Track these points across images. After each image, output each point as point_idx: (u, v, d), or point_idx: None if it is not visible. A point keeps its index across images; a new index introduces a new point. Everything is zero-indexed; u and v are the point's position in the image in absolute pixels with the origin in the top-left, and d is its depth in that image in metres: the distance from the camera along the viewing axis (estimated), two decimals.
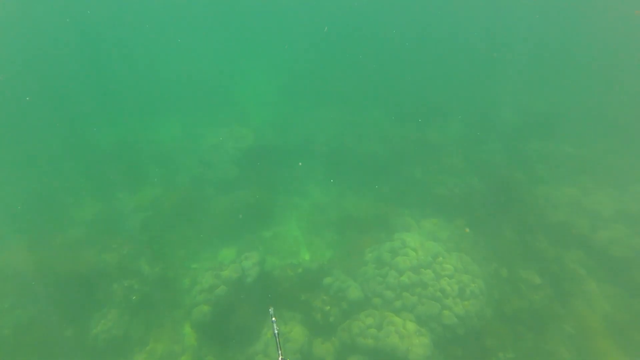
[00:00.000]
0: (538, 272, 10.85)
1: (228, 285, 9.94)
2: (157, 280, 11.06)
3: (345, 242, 12.81)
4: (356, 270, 10.91)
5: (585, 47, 28.62)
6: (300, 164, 16.18)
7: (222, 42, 33.59)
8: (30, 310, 10.06)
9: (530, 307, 9.93)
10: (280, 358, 2.20)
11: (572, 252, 11.44)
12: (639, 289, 10.28)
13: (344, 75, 25.06)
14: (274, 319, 2.78)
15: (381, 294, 9.82)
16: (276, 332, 2.58)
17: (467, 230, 12.08)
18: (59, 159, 17.07)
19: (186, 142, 17.93)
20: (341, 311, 9.67)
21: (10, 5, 27.97)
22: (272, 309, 3.14)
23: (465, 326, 9.19)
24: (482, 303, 9.69)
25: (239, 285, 10.15)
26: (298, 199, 15.35)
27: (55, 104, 21.83)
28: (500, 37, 30.91)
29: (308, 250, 12.95)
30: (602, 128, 17.92)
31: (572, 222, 12.23)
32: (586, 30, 30.02)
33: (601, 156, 15.99)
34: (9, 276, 10.93)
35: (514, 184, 13.97)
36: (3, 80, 21.18)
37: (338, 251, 12.51)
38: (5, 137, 18.82)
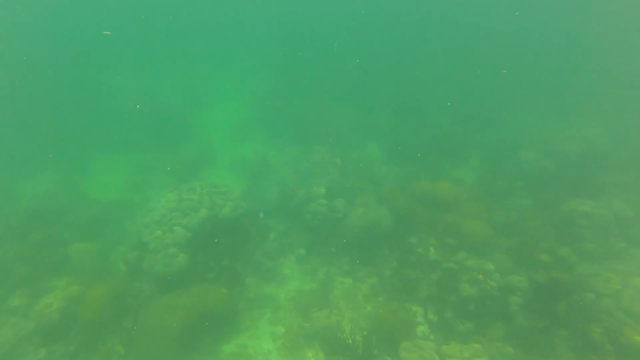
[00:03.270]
0: None
1: None
2: None
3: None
4: None
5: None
6: (293, 191, 12.46)
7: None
8: None
9: None
10: None
11: None
12: None
13: (336, 102, 21.34)
14: None
15: None
16: None
17: None
18: None
19: (124, 208, 14.26)
20: None
21: None
22: None
23: None
24: None
25: None
26: (272, 287, 11.62)
27: None
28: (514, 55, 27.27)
29: None
30: None
31: None
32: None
33: None
34: None
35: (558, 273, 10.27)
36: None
37: None
38: None
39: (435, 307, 10.30)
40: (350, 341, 9.56)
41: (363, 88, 21.21)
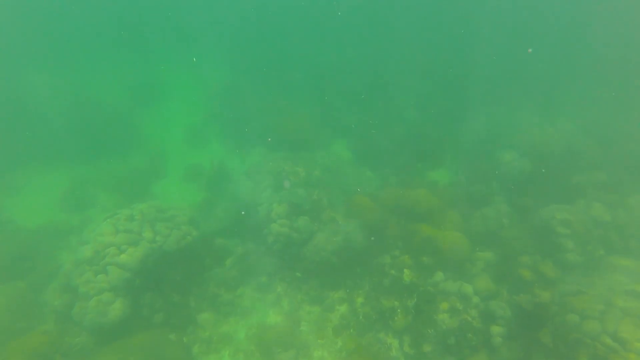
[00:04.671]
0: None
1: None
2: None
3: None
4: None
5: None
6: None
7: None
8: None
9: None
10: None
11: None
12: None
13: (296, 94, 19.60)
14: None
15: None
16: None
17: None
18: None
19: (57, 234, 12.35)
20: None
21: None
22: None
23: None
24: None
25: None
26: (230, 324, 10.30)
27: None
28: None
29: None
30: None
31: None
32: None
33: None
34: None
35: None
36: None
37: None
38: None
39: (412, 339, 9.34)
40: None
41: (331, 81, 19.62)
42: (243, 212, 12.14)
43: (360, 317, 10.10)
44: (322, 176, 13.72)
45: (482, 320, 8.93)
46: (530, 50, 20.17)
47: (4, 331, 9.38)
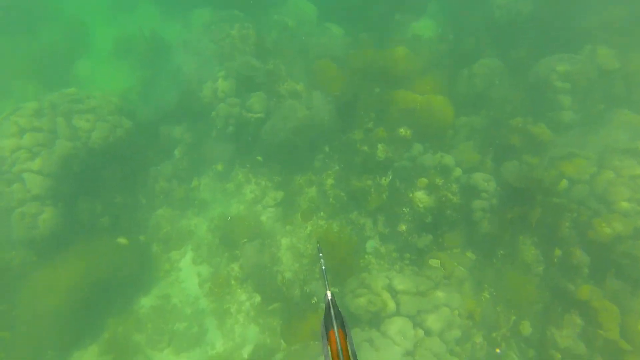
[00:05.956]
0: None
1: None
2: None
3: None
4: None
5: None
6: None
7: None
8: None
9: None
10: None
11: None
12: None
13: None
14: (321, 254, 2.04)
15: None
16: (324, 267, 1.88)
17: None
18: None
19: None
20: None
21: None
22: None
23: None
24: None
25: None
26: (190, 219, 9.41)
27: None
28: None
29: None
30: None
31: None
32: None
33: None
34: None
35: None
36: None
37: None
38: None
39: (386, 219, 8.64)
40: (289, 276, 8.05)
41: None
42: (186, 93, 10.06)
43: (330, 200, 9.20)
44: (279, 39, 11.19)
45: (463, 196, 8.06)
46: None
47: None
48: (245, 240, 8.73)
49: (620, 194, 7.72)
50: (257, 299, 8.03)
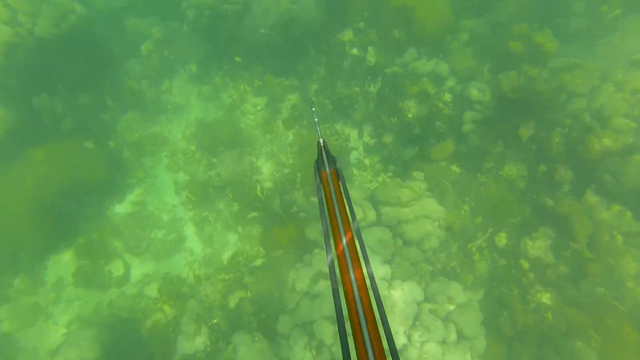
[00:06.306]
0: None
1: None
2: None
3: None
4: None
5: None
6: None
7: None
8: None
9: None
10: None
11: None
12: None
13: None
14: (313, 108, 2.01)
15: None
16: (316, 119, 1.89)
17: None
18: None
19: None
20: None
21: None
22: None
23: None
24: None
25: None
26: (163, 124, 8.76)
27: None
28: None
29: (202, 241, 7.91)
30: None
31: None
32: None
33: None
34: None
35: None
36: None
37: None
38: None
39: (373, 130, 8.21)
40: (269, 186, 7.82)
41: None
42: None
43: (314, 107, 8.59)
44: None
45: (455, 106, 7.57)
46: None
47: None
48: (224, 148, 8.28)
49: (616, 109, 7.36)
50: (236, 207, 7.88)
